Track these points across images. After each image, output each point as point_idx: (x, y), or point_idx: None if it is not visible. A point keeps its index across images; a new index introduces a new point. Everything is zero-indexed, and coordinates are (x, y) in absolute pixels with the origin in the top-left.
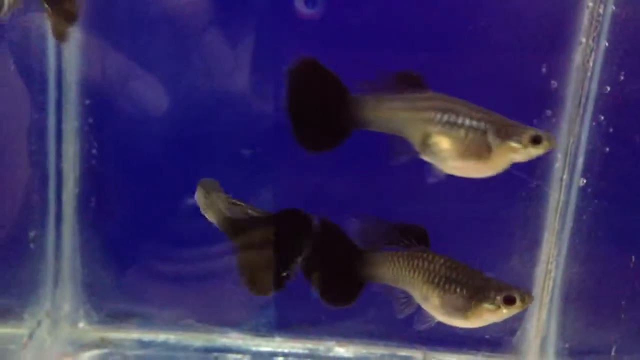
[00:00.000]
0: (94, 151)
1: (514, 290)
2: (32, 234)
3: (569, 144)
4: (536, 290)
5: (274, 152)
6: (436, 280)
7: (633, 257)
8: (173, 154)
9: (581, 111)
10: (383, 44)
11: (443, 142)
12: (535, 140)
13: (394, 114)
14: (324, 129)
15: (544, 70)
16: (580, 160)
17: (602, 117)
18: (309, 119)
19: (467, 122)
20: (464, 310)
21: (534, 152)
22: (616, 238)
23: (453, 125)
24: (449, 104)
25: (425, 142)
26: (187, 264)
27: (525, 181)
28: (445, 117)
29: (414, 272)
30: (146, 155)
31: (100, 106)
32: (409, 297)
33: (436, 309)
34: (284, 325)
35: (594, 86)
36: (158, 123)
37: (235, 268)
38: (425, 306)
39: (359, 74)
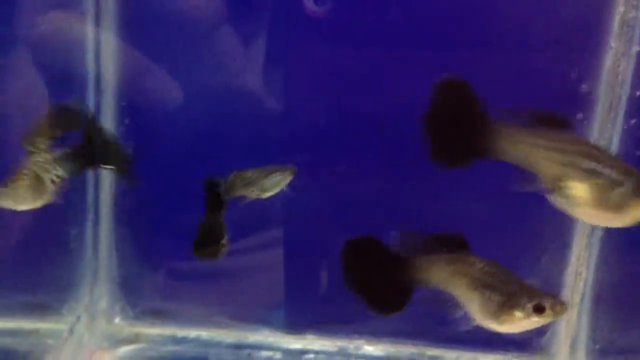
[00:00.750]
0: (129, 150)
1: (546, 299)
2: (73, 232)
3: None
4: (566, 291)
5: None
6: (475, 284)
7: None
8: (207, 153)
9: (612, 115)
10: (405, 43)
11: (579, 188)
12: None
13: (534, 150)
14: (459, 149)
15: (574, 74)
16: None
17: (633, 121)
18: (447, 137)
19: (607, 172)
20: (497, 316)
21: None
22: None
23: (592, 172)
24: (592, 150)
25: (560, 184)
26: (219, 262)
27: None
28: (586, 164)
29: (456, 276)
30: (180, 154)
31: (136, 108)
32: (455, 300)
33: (474, 312)
34: (314, 323)
35: (625, 90)
36: (192, 124)
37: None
38: (469, 308)
39: (371, 71)
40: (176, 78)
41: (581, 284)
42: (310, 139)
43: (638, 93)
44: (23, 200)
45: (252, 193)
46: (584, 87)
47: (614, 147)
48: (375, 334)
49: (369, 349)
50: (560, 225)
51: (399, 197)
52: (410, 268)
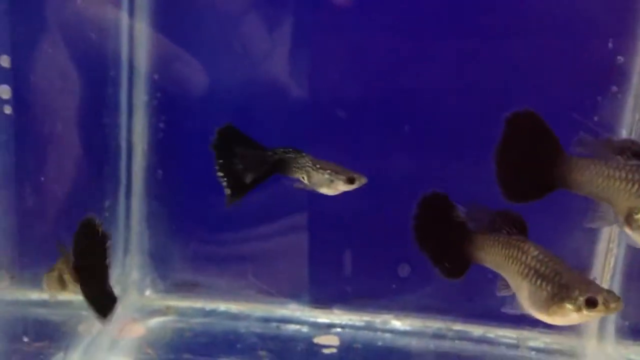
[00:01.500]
0: (161, 125)
1: (599, 293)
2: (106, 203)
3: (634, 120)
4: (597, 268)
5: None
6: (526, 272)
7: None
8: (240, 126)
9: None
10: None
11: None
12: None
13: (608, 183)
14: (531, 184)
15: (610, 45)
16: None
17: None
18: (519, 172)
19: None
20: (547, 307)
21: None
22: None
23: None
24: None
25: (632, 216)
26: (248, 236)
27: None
28: None
29: (509, 260)
30: (210, 130)
31: (168, 81)
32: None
33: (524, 300)
34: (342, 298)
35: None
36: (222, 97)
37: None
38: (518, 294)
39: (396, 62)
40: (205, 62)
41: (612, 259)
42: (336, 124)
43: None
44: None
45: (303, 180)
46: (620, 59)
47: None
48: (402, 309)
49: (396, 323)
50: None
51: (426, 177)
52: (470, 243)
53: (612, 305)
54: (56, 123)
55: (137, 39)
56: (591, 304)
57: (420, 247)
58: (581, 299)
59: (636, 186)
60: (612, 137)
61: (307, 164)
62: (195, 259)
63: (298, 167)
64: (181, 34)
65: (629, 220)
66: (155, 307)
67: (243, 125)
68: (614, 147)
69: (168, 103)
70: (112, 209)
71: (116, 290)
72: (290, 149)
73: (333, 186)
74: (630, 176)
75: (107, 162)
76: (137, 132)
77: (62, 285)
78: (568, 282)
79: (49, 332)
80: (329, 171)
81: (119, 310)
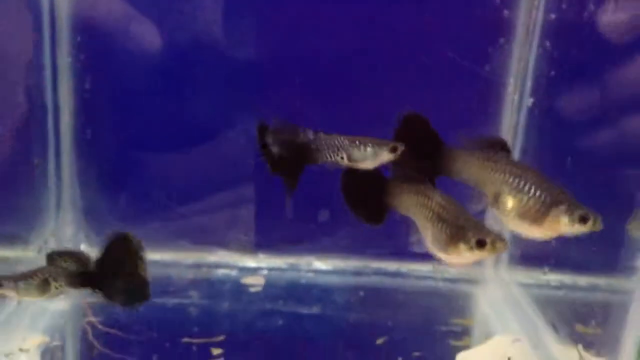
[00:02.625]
0: (87, 86)
1: (489, 235)
2: (35, 161)
3: (518, 68)
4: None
5: None
6: (430, 215)
7: (569, 159)
8: (162, 86)
9: (530, 38)
10: None
11: (510, 203)
12: (584, 219)
13: (478, 171)
14: (420, 171)
15: (497, 1)
16: (529, 83)
17: (548, 43)
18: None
19: (533, 190)
20: (446, 247)
21: (582, 229)
22: (558, 151)
23: (521, 191)
24: (520, 171)
25: (496, 199)
26: (178, 190)
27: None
28: (516, 182)
29: (417, 207)
30: (136, 88)
31: (92, 43)
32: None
33: (428, 241)
34: (267, 244)
35: (541, 15)
36: (147, 58)
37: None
38: (424, 235)
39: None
40: (130, 22)
41: None
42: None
43: (552, 17)
44: (27, 295)
45: (342, 161)
46: (506, 13)
47: (531, 67)
48: (323, 251)
49: (318, 264)
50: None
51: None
52: (386, 192)
53: (499, 245)
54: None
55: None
56: (481, 244)
57: (345, 197)
58: (473, 240)
59: (499, 173)
60: (484, 135)
61: (345, 143)
62: (126, 213)
63: (335, 149)
64: None
65: (494, 202)
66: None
67: (168, 87)
68: (486, 143)
69: (92, 64)
70: (41, 167)
71: (51, 244)
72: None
73: (377, 158)
74: (495, 166)
75: (33, 121)
76: (62, 93)
77: (43, 291)
78: (464, 225)
79: None
80: (370, 144)
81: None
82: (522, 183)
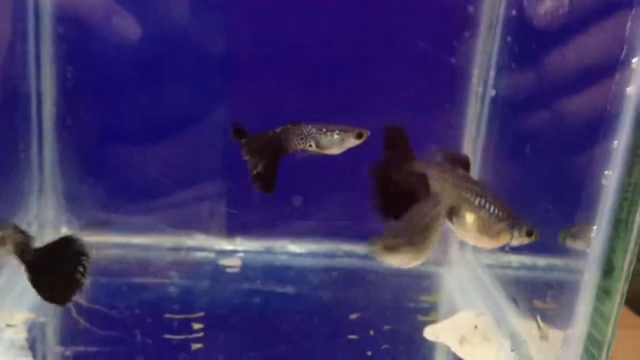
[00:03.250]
0: (68, 75)
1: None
2: (20, 147)
3: (482, 61)
4: None
5: None
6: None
7: (528, 147)
8: (141, 76)
9: (492, 32)
10: None
11: (466, 217)
12: (530, 234)
13: (439, 184)
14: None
15: None
16: (492, 75)
17: (509, 38)
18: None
19: (487, 207)
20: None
21: (527, 240)
22: (518, 139)
23: (477, 207)
24: (476, 187)
25: (452, 212)
26: (158, 176)
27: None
28: (476, 200)
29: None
30: (116, 77)
31: (73, 33)
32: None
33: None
34: (244, 228)
35: (503, 10)
36: (127, 49)
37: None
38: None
39: None
40: (110, 13)
41: None
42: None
43: (513, 13)
44: None
45: (310, 148)
46: (470, 9)
47: (493, 60)
48: (297, 235)
49: (292, 247)
50: (451, 132)
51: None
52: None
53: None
54: None
55: None
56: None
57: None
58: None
59: (456, 188)
60: (444, 148)
61: (312, 131)
62: (106, 198)
63: (303, 137)
64: None
65: (450, 215)
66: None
67: (148, 77)
68: (448, 157)
69: (73, 54)
70: (25, 153)
71: (33, 229)
72: (288, 124)
73: (344, 144)
74: (451, 180)
75: (17, 110)
76: (45, 82)
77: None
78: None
79: None
80: (337, 131)
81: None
82: (477, 200)
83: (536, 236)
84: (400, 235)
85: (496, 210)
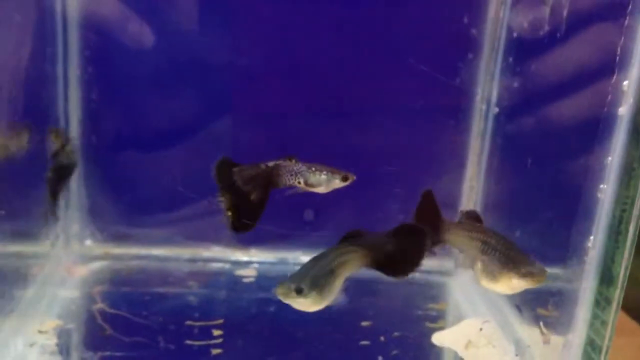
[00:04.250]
0: (93, 96)
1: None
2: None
3: (485, 80)
4: (463, 202)
5: None
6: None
7: (529, 161)
8: (161, 97)
9: (494, 54)
10: None
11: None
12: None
13: (465, 241)
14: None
15: (465, 20)
16: (494, 93)
17: (511, 59)
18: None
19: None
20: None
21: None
22: (520, 155)
23: (486, 254)
24: (493, 240)
25: (474, 265)
26: (175, 191)
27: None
28: (483, 248)
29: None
30: (137, 98)
31: (98, 57)
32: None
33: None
34: (258, 240)
35: (504, 33)
36: (149, 71)
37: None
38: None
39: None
40: (131, 39)
41: (474, 195)
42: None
43: (514, 34)
44: None
45: (299, 185)
46: (474, 32)
47: (496, 79)
48: (309, 247)
49: (305, 258)
50: (456, 148)
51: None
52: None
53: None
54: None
55: (70, 18)
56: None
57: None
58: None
59: (477, 242)
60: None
61: (302, 169)
62: (128, 213)
63: (293, 174)
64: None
65: (471, 264)
66: (95, 254)
67: (167, 97)
68: (464, 215)
69: (98, 76)
70: None
71: (61, 241)
72: (280, 159)
73: (330, 185)
74: (474, 235)
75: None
76: (72, 103)
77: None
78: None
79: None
80: (324, 172)
81: (65, 255)
82: (487, 248)
83: (540, 278)
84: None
85: (499, 257)
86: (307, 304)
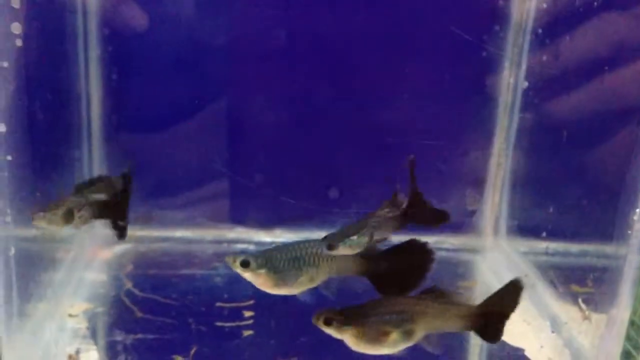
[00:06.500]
0: (114, 76)
1: None
2: (74, 149)
3: (513, 54)
4: (490, 179)
5: None
6: None
7: (565, 132)
8: (181, 75)
9: (523, 25)
10: None
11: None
12: None
13: None
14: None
15: None
16: (523, 67)
17: (540, 30)
18: None
19: None
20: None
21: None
22: (551, 129)
23: None
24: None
25: None
26: (198, 171)
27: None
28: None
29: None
30: (157, 77)
31: (118, 35)
32: None
33: None
34: (282, 220)
35: (533, 4)
36: (167, 50)
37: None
38: None
39: None
40: (150, 18)
41: (501, 171)
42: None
43: (544, 6)
44: (53, 224)
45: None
46: (501, 3)
47: (525, 52)
48: (333, 225)
49: None
50: (483, 122)
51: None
52: None
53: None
54: (24, 78)
55: None
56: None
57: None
58: None
59: None
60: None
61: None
62: (150, 193)
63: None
64: None
65: None
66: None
67: (188, 75)
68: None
69: (118, 55)
70: (78, 151)
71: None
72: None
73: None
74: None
75: (70, 111)
76: (92, 83)
77: (68, 220)
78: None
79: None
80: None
81: (89, 238)
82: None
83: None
84: None
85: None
86: (255, 280)
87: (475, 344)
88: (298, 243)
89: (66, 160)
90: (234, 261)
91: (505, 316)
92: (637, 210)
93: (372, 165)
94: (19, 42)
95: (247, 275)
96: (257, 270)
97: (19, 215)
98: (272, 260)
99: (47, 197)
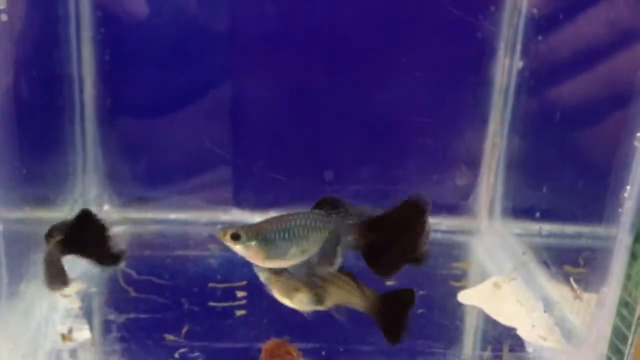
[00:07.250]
0: (107, 57)
1: None
2: (65, 128)
3: (508, 34)
4: (486, 159)
5: None
6: None
7: (558, 114)
8: (175, 57)
9: (519, 5)
10: None
11: None
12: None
13: None
14: None
15: None
16: (519, 47)
17: (535, 10)
18: None
19: None
20: None
21: None
22: (546, 110)
23: None
24: None
25: None
26: (193, 153)
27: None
28: None
29: None
30: (152, 59)
31: (111, 17)
32: None
33: None
34: (277, 203)
35: None
36: (161, 31)
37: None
38: None
39: None
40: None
41: (497, 152)
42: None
43: None
44: None
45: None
46: None
47: (520, 32)
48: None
49: None
50: (479, 104)
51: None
52: None
53: None
54: (14, 57)
55: None
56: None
57: None
58: None
59: None
60: None
61: None
62: (145, 176)
63: None
64: None
65: None
66: (114, 218)
67: (183, 57)
68: None
69: (111, 37)
70: (69, 133)
71: (78, 205)
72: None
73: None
74: None
75: (61, 92)
76: (85, 65)
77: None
78: None
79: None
80: None
81: None
82: None
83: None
84: None
85: None
86: (246, 253)
87: (470, 324)
88: (288, 215)
89: (58, 142)
90: (225, 234)
91: (405, 312)
92: (628, 187)
93: (368, 147)
94: (4, 17)
95: (238, 248)
96: (247, 243)
97: (8, 195)
98: (262, 232)
99: (34, 177)
